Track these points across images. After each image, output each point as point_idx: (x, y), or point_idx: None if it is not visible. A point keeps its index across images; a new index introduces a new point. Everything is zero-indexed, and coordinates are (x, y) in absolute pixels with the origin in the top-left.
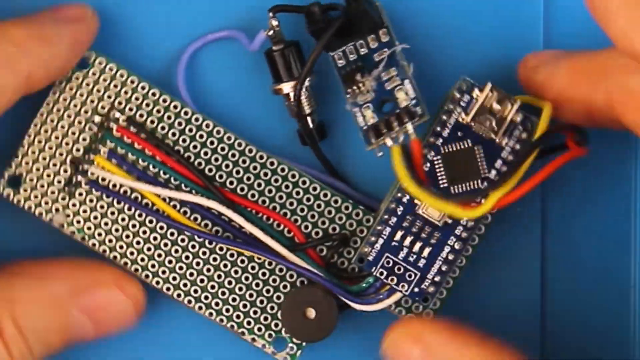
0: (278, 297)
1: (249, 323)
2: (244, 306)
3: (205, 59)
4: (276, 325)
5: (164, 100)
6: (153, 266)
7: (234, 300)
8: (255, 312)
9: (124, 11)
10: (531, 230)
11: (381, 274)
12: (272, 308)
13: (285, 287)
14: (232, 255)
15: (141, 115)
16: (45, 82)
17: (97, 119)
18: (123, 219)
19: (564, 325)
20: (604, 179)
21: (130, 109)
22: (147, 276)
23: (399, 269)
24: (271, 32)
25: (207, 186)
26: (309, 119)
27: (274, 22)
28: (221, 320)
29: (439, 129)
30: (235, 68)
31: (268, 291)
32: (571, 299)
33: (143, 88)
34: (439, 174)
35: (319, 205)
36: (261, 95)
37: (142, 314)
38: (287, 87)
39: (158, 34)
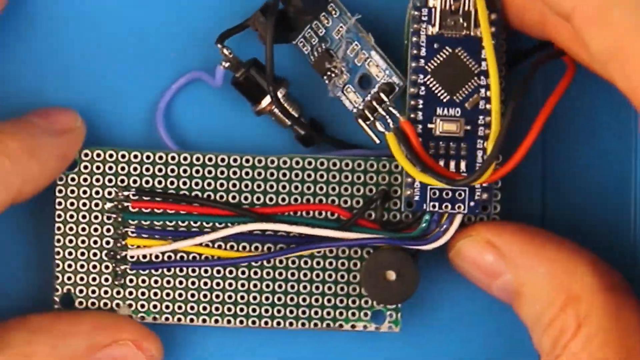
0: (354, 277)
1: (341, 314)
2: (329, 301)
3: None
4: (366, 302)
5: (160, 158)
6: (229, 309)
7: (317, 300)
8: (341, 301)
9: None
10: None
11: (434, 207)
12: (354, 289)
13: (355, 264)
14: (293, 262)
15: (147, 182)
16: (31, 196)
17: (109, 205)
18: (181, 282)
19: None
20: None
21: (135, 181)
22: (229, 321)
23: (446, 194)
24: (227, 64)
25: (239, 213)
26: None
27: (226, 52)
28: (315, 324)
29: (415, 51)
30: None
31: (342, 277)
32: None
33: (136, 157)
34: (437, 92)
35: (346, 177)
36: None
37: None
38: (265, 103)
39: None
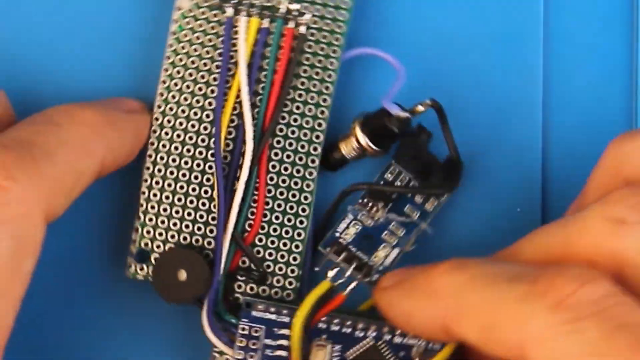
0: (184, 239)
1: (150, 220)
2: (164, 210)
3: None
4: (158, 247)
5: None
6: (170, 106)
7: (167, 198)
8: (163, 222)
9: None
10: None
11: (243, 329)
12: (172, 237)
13: (197, 241)
14: (208, 180)
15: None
16: (112, 170)
17: None
18: (201, 57)
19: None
20: None
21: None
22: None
23: (254, 344)
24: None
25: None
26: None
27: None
28: (143, 192)
29: None
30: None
31: (187, 226)
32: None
33: None
34: None
35: (284, 245)
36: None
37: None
38: (362, 137)
39: None
